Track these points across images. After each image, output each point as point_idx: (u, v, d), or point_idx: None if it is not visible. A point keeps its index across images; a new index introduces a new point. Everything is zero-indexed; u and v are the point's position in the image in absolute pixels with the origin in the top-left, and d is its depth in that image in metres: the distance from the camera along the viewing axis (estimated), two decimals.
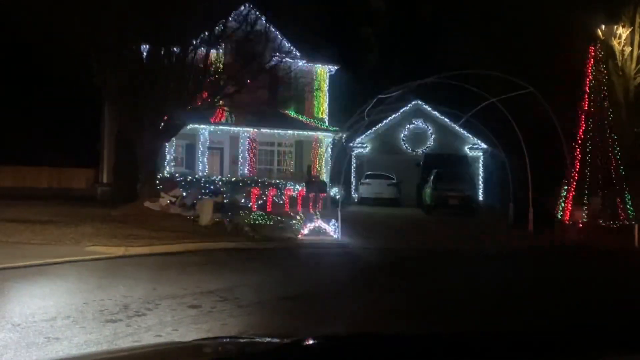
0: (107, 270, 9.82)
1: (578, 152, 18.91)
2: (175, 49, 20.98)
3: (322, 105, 30.56)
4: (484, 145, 31.77)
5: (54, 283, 8.57)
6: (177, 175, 24.65)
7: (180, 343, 2.96)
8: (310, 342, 1.91)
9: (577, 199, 18.34)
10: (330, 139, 28.51)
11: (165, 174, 24.31)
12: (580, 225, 18.00)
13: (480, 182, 31.35)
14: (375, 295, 8.97)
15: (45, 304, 7.21)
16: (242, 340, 2.42)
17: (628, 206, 17.84)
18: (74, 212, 18.56)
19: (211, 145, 27.60)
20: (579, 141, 18.87)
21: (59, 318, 6.56)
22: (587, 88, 19.19)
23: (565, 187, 18.94)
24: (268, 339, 2.22)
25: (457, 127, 32.25)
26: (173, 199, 20.70)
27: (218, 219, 16.91)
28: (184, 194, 21.45)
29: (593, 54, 19.14)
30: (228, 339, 2.72)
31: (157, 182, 21.81)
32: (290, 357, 1.68)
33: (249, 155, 27.88)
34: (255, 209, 21.53)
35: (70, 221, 15.94)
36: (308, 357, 1.70)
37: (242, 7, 22.73)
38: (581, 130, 19.21)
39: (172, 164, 26.59)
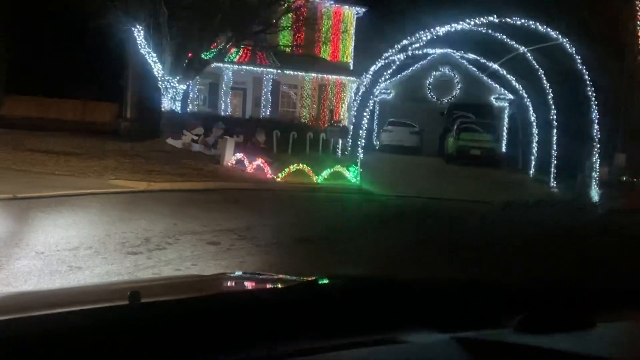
0: (129, 204, 9.97)
1: (606, 107, 18.52)
2: None
3: (348, 48, 30.13)
4: (510, 96, 31.21)
5: (77, 214, 8.74)
6: (200, 113, 24.68)
7: (200, 276, 3.02)
8: (327, 281, 1.93)
9: (602, 154, 18.08)
10: (355, 84, 28.19)
11: (189, 112, 24.34)
12: (604, 181, 17.81)
13: (504, 133, 30.98)
14: (392, 241, 9.02)
15: (68, 234, 7.36)
16: (260, 277, 2.46)
17: None
18: (97, 145, 18.75)
19: (234, 86, 27.47)
20: (608, 96, 18.45)
21: (81, 248, 6.70)
22: (621, 43, 18.66)
23: (591, 142, 18.65)
24: (286, 277, 2.25)
25: (484, 77, 31.64)
26: (195, 137, 20.81)
27: (238, 159, 16.98)
28: (206, 132, 21.51)
29: (631, 8, 18.53)
30: (247, 275, 2.76)
31: (180, 119, 21.88)
32: (308, 295, 1.70)
33: (271, 96, 27.75)
34: (276, 151, 21.56)
35: (94, 154, 16.15)
36: (325, 296, 1.72)
37: None
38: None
39: (195, 102, 26.59)
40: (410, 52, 20.17)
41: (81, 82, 28.60)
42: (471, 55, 28.22)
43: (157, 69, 20.95)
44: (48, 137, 20.08)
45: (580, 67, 17.19)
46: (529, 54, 19.50)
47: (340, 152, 22.58)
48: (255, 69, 26.74)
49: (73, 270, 5.85)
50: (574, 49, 17.05)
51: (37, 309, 1.51)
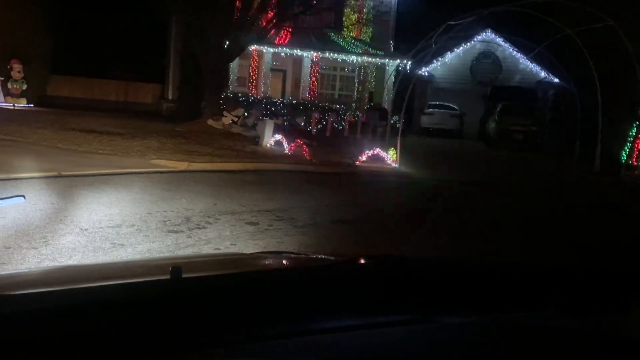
0: (170, 184, 10.13)
1: None
2: None
3: (389, 30, 29.82)
4: (555, 80, 30.54)
5: (120, 192, 8.91)
6: (239, 95, 24.82)
7: (239, 254, 3.06)
8: (363, 261, 1.94)
9: None
10: (395, 66, 27.93)
11: (229, 94, 24.49)
12: None
13: (547, 118, 30.35)
14: (430, 224, 8.97)
15: (111, 211, 7.53)
16: (297, 256, 2.48)
17: None
18: (140, 125, 19.06)
19: (274, 67, 27.50)
20: None
21: (124, 226, 6.85)
22: None
23: (636, 127, 18.17)
24: (323, 256, 2.26)
25: (527, 60, 31.01)
26: (235, 119, 20.96)
27: (277, 141, 17.06)
28: (246, 114, 21.66)
29: None
30: (285, 254, 2.79)
31: (221, 101, 22.05)
32: (343, 274, 1.71)
33: (310, 78, 27.70)
34: (315, 133, 21.57)
35: (137, 134, 16.42)
36: (360, 275, 1.73)
37: None
38: None
39: (235, 84, 26.72)
40: (452, 34, 19.79)
41: (124, 63, 29.06)
42: (515, 38, 27.65)
43: (199, 51, 21.11)
44: (92, 117, 20.49)
45: (629, 49, 16.68)
46: (575, 36, 18.98)
47: (379, 134, 22.46)
48: (294, 51, 26.71)
49: (116, 247, 5.99)
50: (622, 30, 16.54)
51: (83, 281, 1.56)
